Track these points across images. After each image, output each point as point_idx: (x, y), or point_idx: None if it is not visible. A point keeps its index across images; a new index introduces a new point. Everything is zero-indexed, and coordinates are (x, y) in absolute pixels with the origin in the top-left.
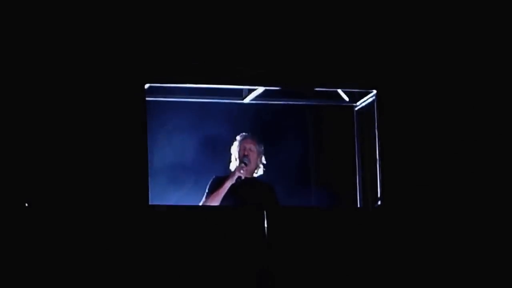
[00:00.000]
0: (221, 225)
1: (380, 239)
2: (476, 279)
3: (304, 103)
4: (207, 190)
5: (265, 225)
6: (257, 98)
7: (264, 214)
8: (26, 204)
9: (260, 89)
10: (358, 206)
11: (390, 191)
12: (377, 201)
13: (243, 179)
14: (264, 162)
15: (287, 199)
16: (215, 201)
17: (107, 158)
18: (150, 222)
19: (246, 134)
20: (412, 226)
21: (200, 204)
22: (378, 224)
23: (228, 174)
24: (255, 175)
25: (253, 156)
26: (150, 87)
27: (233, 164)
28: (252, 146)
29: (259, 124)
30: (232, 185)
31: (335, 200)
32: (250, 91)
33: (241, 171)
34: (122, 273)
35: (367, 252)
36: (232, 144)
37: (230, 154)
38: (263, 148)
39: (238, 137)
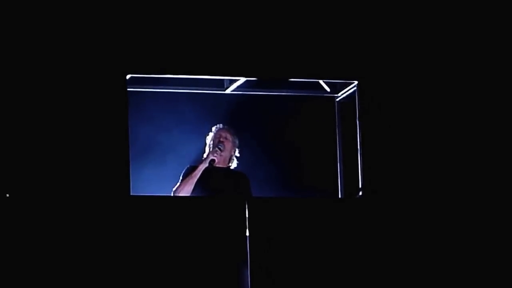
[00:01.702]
0: (202, 215)
1: (362, 230)
2: (456, 266)
3: (285, 93)
4: (180, 178)
5: (246, 216)
6: (238, 88)
7: (245, 205)
8: (7, 195)
9: (241, 80)
10: (340, 196)
11: (371, 182)
12: (359, 192)
13: (217, 168)
14: (238, 155)
15: (268, 190)
16: (189, 184)
17: (89, 148)
18: (131, 213)
19: (222, 125)
20: (393, 217)
21: (173, 189)
22: (360, 214)
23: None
24: (230, 166)
25: (228, 144)
26: (131, 77)
27: (206, 153)
28: (227, 135)
29: (240, 115)
30: (206, 171)
31: (316, 191)
32: (232, 81)
33: (215, 154)
34: (103, 264)
35: (348, 242)
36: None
37: (205, 145)
38: (238, 141)
39: (213, 128)
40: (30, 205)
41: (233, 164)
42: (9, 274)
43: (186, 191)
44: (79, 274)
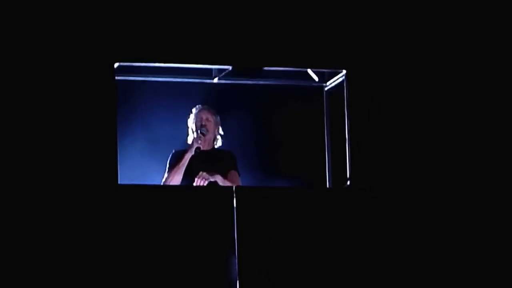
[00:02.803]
0: (190, 205)
1: (350, 220)
2: (445, 257)
3: (274, 83)
4: (167, 165)
5: (234, 206)
6: (226, 77)
7: (233, 194)
8: None
9: (229, 69)
10: (328, 186)
11: (359, 172)
12: (346, 182)
13: (203, 152)
14: (222, 133)
15: (255, 179)
16: (177, 174)
17: (76, 137)
18: (119, 202)
19: (201, 105)
20: (381, 207)
21: (163, 180)
22: (347, 204)
23: (187, 148)
24: (215, 146)
25: (210, 126)
26: (119, 66)
27: (191, 137)
28: (209, 116)
29: (228, 104)
30: (193, 157)
31: (304, 181)
32: (220, 70)
33: (199, 142)
34: (92, 254)
35: (336, 232)
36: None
37: (187, 128)
38: (219, 118)
39: (193, 110)
40: (16, 196)
41: (218, 143)
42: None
43: (175, 180)
44: (68, 265)
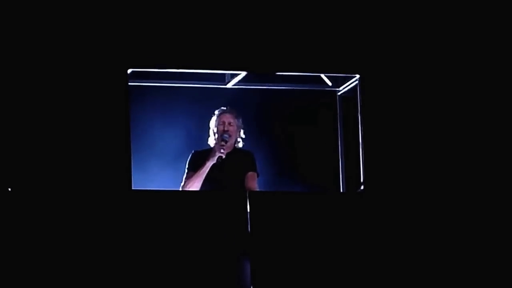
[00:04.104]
0: (204, 210)
1: (363, 224)
2: (457, 261)
3: (287, 88)
4: (187, 166)
5: (248, 210)
6: (239, 83)
7: (247, 199)
8: (9, 189)
9: (242, 74)
10: (341, 191)
11: (372, 176)
12: (360, 186)
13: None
14: (243, 136)
15: (269, 184)
16: (197, 181)
17: (90, 143)
18: (133, 207)
19: (225, 108)
20: (395, 211)
21: (182, 183)
22: (361, 209)
23: (208, 148)
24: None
25: (233, 130)
26: (132, 71)
27: (212, 139)
28: (231, 120)
29: (241, 109)
30: (213, 165)
31: (317, 185)
32: (233, 76)
33: (222, 151)
34: (105, 259)
35: (349, 237)
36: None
37: (209, 129)
38: (241, 121)
39: (216, 112)
40: (32, 200)
41: (239, 145)
42: (11, 268)
43: (194, 187)
44: (82, 269)
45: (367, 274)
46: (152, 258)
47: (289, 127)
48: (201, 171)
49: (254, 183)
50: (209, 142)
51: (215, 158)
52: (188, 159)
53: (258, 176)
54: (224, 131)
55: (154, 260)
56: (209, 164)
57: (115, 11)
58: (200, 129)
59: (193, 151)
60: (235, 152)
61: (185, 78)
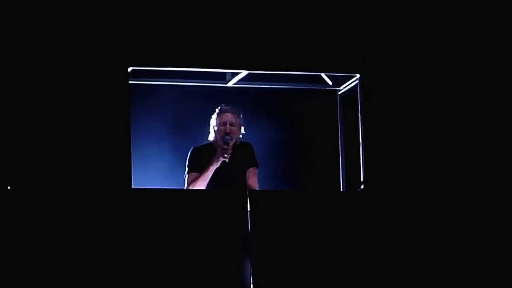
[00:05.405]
0: (204, 208)
1: (363, 223)
2: (457, 261)
3: (287, 87)
4: (187, 164)
5: (248, 209)
6: (240, 81)
7: (247, 198)
8: (8, 187)
9: (243, 73)
10: (341, 190)
11: (373, 175)
12: (360, 185)
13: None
14: (244, 132)
15: (269, 183)
16: (201, 185)
17: (90, 141)
18: (133, 206)
19: (226, 106)
20: (395, 211)
21: (185, 183)
22: (361, 208)
23: (206, 143)
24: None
25: (234, 131)
26: (133, 70)
27: (212, 135)
28: (233, 120)
29: (242, 108)
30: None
31: (318, 184)
32: (234, 74)
33: (225, 155)
34: (106, 257)
35: (349, 236)
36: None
37: (209, 125)
38: (242, 117)
39: (217, 110)
40: (32, 198)
41: (239, 141)
42: (11, 266)
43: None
44: (82, 267)
45: (367, 273)
46: (152, 256)
47: (289, 126)
48: (205, 175)
49: (255, 179)
50: (208, 138)
51: (219, 162)
52: (188, 156)
53: (258, 167)
54: (227, 134)
55: (154, 259)
56: (213, 168)
57: (115, 10)
58: (201, 128)
59: (192, 148)
60: (235, 148)
61: (186, 77)
